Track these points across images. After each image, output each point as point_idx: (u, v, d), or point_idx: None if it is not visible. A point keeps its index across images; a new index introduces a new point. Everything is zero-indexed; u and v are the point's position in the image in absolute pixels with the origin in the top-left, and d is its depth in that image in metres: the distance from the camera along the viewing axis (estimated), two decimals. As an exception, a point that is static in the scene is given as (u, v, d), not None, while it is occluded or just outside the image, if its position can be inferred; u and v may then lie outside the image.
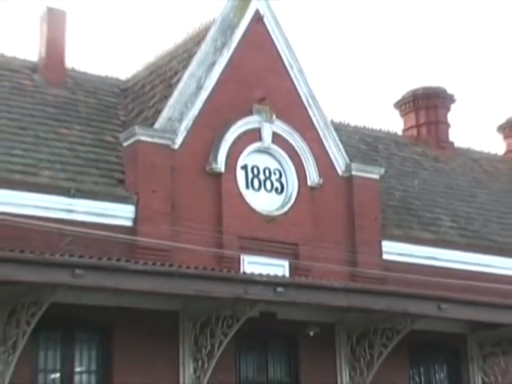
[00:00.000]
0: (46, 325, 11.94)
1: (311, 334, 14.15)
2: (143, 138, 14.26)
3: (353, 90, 43.80)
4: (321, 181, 15.49)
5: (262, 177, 15.23)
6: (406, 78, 42.47)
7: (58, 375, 12.89)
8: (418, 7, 46.58)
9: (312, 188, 15.42)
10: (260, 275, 12.84)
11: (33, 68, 16.80)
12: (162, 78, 16.34)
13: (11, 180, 13.29)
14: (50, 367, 12.85)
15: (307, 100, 15.92)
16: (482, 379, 15.95)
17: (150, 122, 14.80)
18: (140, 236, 13.59)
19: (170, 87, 15.37)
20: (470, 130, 37.65)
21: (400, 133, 21.52)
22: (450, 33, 46.99)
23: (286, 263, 14.72)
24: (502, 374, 15.72)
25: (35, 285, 11.37)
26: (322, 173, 15.54)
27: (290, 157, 15.38)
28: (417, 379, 15.88)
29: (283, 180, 15.36)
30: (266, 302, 12.73)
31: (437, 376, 16.17)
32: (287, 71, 15.90)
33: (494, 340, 15.72)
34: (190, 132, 14.68)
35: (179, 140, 14.55)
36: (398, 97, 21.94)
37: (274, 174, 15.32)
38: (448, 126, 21.60)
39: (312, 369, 14.43)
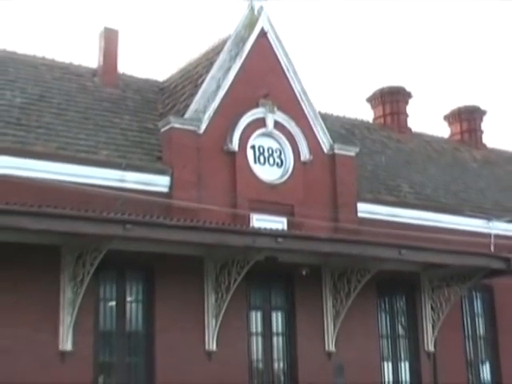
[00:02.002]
0: (105, 266, 11.97)
1: (304, 273, 14.18)
2: (176, 125, 14.19)
3: (335, 87, 43.56)
4: (311, 157, 15.40)
5: (266, 154, 15.14)
6: (375, 78, 42.39)
7: (114, 303, 12.95)
8: (384, 22, 46.29)
9: (304, 163, 15.33)
10: (265, 229, 12.85)
11: (93, 73, 16.73)
12: (190, 79, 16.22)
13: (78, 158, 13.28)
14: (108, 297, 12.91)
15: (300, 96, 15.79)
16: (431, 305, 15.94)
17: (181, 113, 14.69)
18: (174, 199, 13.58)
19: (196, 87, 15.27)
20: (423, 118, 37.72)
21: (371, 121, 21.41)
22: (411, 43, 46.73)
23: (284, 220, 14.67)
24: (445, 302, 15.68)
25: (96, 236, 11.41)
26: (311, 151, 15.44)
27: (288, 139, 15.29)
28: (383, 306, 15.88)
29: (282, 157, 15.28)
30: (269, 249, 12.73)
31: (397, 304, 16.16)
32: (285, 73, 15.75)
33: (440, 276, 15.69)
34: (212, 120, 14.58)
35: (203, 127, 14.46)
36: (370, 93, 21.85)
37: (276, 152, 15.24)
38: (407, 115, 21.51)
39: (304, 299, 14.46)
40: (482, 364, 17.23)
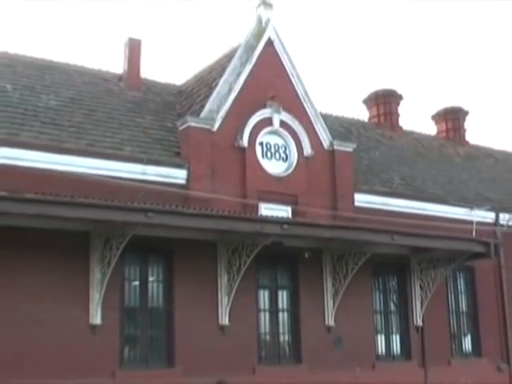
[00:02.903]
0: (129, 249, 11.87)
1: (306, 256, 14.05)
2: (192, 124, 14.03)
3: (334, 90, 43.28)
4: (313, 153, 15.21)
5: (272, 150, 14.97)
6: (370, 82, 42.15)
7: (137, 283, 12.87)
8: (378, 32, 45.97)
9: (307, 158, 15.15)
10: (272, 217, 12.78)
11: (119, 78, 16.57)
12: (205, 83, 16.07)
13: (105, 153, 13.14)
14: (132, 277, 12.81)
15: (303, 97, 15.59)
16: (420, 285, 15.81)
17: (197, 113, 14.55)
18: (191, 190, 13.45)
19: (211, 89, 15.10)
20: (413, 118, 37.47)
21: (366, 120, 21.18)
22: (402, 51, 46.42)
23: (289, 209, 14.50)
24: (432, 281, 15.55)
25: (121, 223, 11.32)
26: (313, 147, 15.25)
27: (292, 136, 15.11)
28: (376, 285, 15.73)
29: (287, 152, 15.10)
30: (275, 235, 12.59)
31: (390, 283, 16.00)
32: (289, 78, 15.54)
33: (428, 259, 15.53)
34: (224, 120, 14.41)
35: (217, 125, 14.29)
36: (365, 96, 21.62)
37: (281, 148, 15.06)
38: (398, 115, 21.27)
39: (306, 279, 14.35)
40: (464, 336, 17.18)
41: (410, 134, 21.26)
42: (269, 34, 15.48)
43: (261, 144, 14.79)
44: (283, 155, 15.07)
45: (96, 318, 11.87)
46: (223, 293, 13.09)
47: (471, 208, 17.52)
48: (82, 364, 11.57)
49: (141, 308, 12.70)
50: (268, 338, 13.98)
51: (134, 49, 16.65)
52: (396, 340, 15.76)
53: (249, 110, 14.62)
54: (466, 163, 21.05)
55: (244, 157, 14.37)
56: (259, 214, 13.74)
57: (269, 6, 15.81)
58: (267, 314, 14.03)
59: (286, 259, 14.28)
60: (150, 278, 12.98)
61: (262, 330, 13.89)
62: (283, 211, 14.24)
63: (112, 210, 11.10)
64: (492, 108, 46.18)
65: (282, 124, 15.08)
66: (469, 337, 17.22)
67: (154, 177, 13.31)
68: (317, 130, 15.63)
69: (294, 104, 15.38)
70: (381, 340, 15.48)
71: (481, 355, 17.03)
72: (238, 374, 12.91)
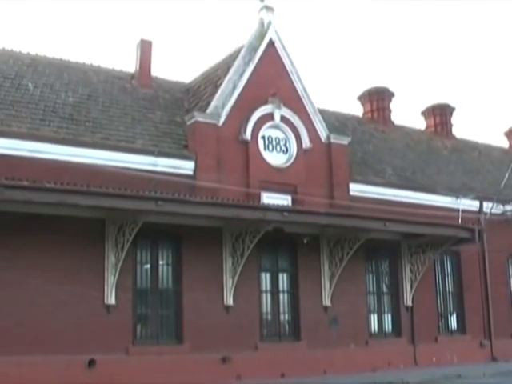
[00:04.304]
0: (141, 235, 11.78)
1: (305, 241, 13.98)
2: (199, 119, 13.89)
3: (331, 87, 43.05)
4: (311, 146, 15.07)
5: (274, 143, 14.82)
6: (364, 80, 41.91)
7: (148, 266, 12.79)
8: (372, 34, 45.64)
9: (305, 150, 15.01)
10: (273, 205, 12.68)
11: (131, 76, 16.42)
12: (211, 81, 15.89)
13: (118, 146, 13.02)
14: (144, 261, 12.73)
15: (302, 94, 15.43)
16: (410, 268, 15.73)
17: (203, 109, 14.40)
18: (198, 181, 13.31)
19: (216, 87, 14.93)
20: (403, 113, 37.18)
21: (360, 115, 20.98)
22: (394, 52, 46.11)
23: (289, 197, 14.38)
24: (421, 265, 15.46)
25: (134, 211, 11.23)
26: (311, 140, 15.11)
27: (292, 130, 14.96)
28: (370, 268, 15.64)
29: (287, 145, 14.95)
30: (276, 222, 12.50)
31: (382, 267, 15.92)
32: (289, 76, 15.38)
33: (417, 244, 15.45)
34: (229, 115, 14.26)
35: (222, 120, 14.15)
36: (360, 93, 21.40)
37: (282, 141, 14.91)
38: (390, 111, 21.09)
39: (305, 262, 14.26)
40: (450, 315, 17.14)
41: (401, 128, 21.08)
42: (270, 35, 15.31)
43: (263, 137, 14.64)
44: (283, 148, 14.92)
45: (111, 299, 11.82)
46: (228, 275, 13.00)
47: (457, 197, 17.39)
48: (98, 340, 11.53)
49: (152, 289, 12.63)
50: (269, 317, 13.91)
51: (145, 49, 16.51)
52: (388, 319, 15.69)
53: (252, 106, 14.45)
54: (453, 155, 20.90)
55: (247, 149, 14.23)
56: (261, 202, 13.62)
57: (270, 9, 15.66)
58: (269, 295, 13.95)
59: (286, 244, 14.17)
60: (160, 262, 12.89)
61: (264, 310, 13.81)
62: (283, 200, 14.11)
63: (125, 198, 11.00)
64: (476, 105, 46.00)
65: (283, 119, 14.91)
66: (454, 315, 17.18)
67: (163, 168, 13.17)
68: (315, 124, 15.46)
69: (293, 100, 15.21)
70: (374, 319, 15.41)
71: (465, 332, 16.98)
72: (242, 350, 12.86)
